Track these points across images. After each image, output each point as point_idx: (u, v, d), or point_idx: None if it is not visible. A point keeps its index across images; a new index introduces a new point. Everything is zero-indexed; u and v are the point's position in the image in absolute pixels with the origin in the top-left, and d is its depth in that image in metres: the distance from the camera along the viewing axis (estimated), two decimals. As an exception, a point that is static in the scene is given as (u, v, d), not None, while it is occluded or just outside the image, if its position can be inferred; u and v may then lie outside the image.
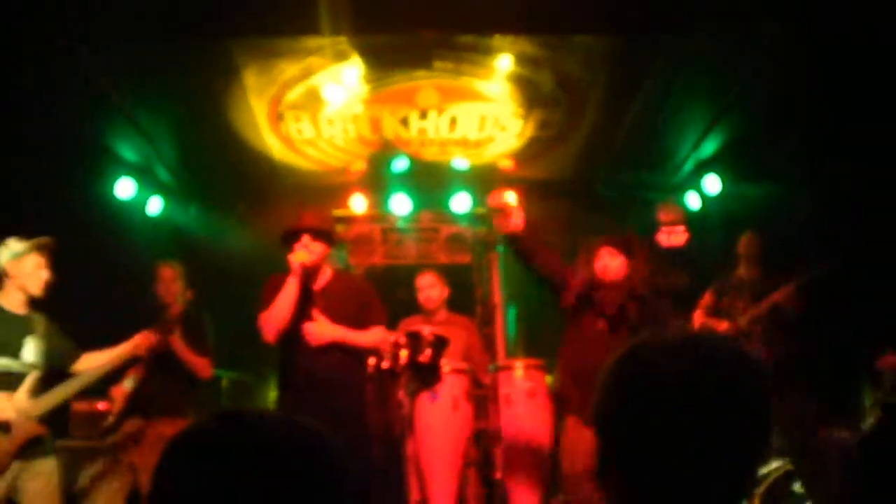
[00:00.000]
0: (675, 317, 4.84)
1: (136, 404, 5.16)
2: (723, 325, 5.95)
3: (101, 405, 5.49)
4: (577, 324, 4.64)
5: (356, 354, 4.57)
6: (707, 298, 6.13)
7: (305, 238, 4.46)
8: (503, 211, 4.70)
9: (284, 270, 4.46)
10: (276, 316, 4.42)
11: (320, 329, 4.43)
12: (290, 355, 4.49)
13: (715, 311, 6.02)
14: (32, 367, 4.30)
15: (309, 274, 4.49)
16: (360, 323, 4.55)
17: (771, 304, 5.73)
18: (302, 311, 4.44)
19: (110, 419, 5.17)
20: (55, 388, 4.37)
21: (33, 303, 4.44)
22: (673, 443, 1.19)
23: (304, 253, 4.42)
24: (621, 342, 4.34)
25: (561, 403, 4.74)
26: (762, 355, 5.54)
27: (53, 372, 4.45)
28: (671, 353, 1.24)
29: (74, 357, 4.58)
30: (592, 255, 4.64)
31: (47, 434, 4.30)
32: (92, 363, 4.58)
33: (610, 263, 4.61)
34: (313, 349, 4.41)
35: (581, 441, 4.33)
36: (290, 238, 4.51)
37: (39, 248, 4.39)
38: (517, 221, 4.66)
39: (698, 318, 6.13)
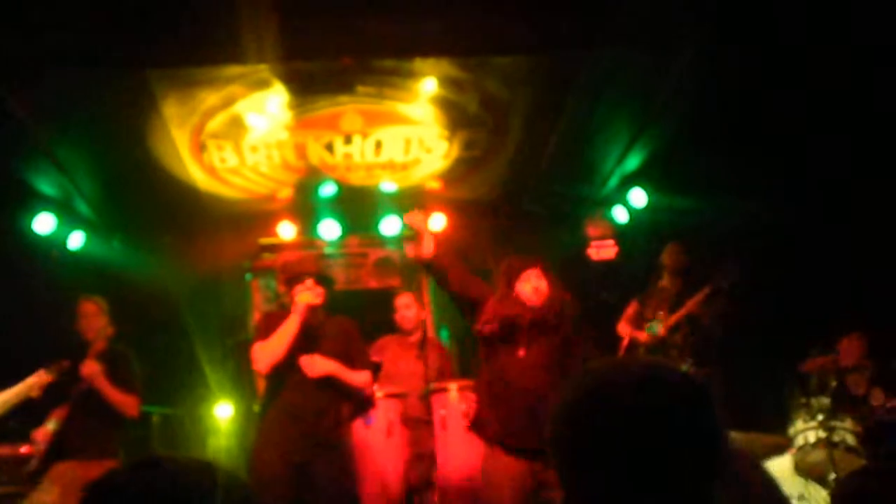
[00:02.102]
0: (594, 336, 4.78)
1: (61, 446, 5.01)
2: (643, 336, 6.03)
3: (23, 449, 5.31)
4: (496, 349, 4.31)
5: (340, 388, 4.70)
6: (631, 309, 6.24)
7: (309, 281, 4.70)
8: (417, 234, 4.61)
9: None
10: (273, 349, 4.55)
11: (318, 362, 4.57)
12: (279, 387, 4.60)
13: (639, 322, 6.13)
14: None
15: (312, 313, 4.66)
16: (347, 362, 4.71)
17: (685, 315, 5.89)
18: (298, 346, 4.56)
19: (34, 463, 5.00)
20: None
21: None
22: (643, 467, 1.24)
23: (310, 294, 4.64)
24: (549, 366, 4.16)
25: (479, 431, 4.37)
26: (681, 367, 5.65)
27: None
28: (631, 383, 1.30)
29: None
30: (515, 279, 4.38)
31: None
32: None
33: (539, 285, 4.35)
34: (302, 382, 4.53)
35: (500, 472, 4.10)
36: (293, 280, 4.75)
37: None
38: (428, 247, 4.49)
39: (623, 328, 6.22)
